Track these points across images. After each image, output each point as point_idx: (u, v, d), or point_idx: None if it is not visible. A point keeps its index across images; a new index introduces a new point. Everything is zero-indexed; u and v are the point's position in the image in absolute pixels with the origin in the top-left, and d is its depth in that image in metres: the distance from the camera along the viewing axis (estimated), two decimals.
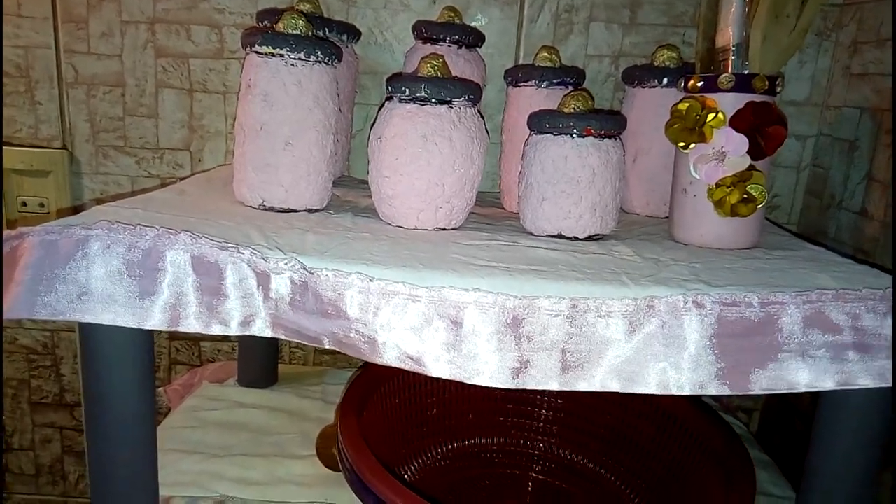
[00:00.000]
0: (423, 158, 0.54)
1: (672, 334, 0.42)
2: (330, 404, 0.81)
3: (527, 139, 0.59)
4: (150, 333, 0.46)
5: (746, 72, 0.55)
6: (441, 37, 0.70)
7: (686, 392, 0.42)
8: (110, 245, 0.43)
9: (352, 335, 0.43)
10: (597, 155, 0.55)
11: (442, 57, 0.57)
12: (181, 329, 0.44)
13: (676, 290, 0.43)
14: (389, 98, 0.56)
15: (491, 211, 0.69)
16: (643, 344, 0.42)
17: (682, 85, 0.58)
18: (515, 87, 0.68)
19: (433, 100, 0.54)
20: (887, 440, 0.48)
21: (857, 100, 0.76)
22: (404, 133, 0.54)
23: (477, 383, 0.42)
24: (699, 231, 0.57)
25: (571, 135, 0.55)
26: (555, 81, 0.65)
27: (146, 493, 0.51)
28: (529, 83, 0.66)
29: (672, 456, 0.67)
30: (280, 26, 0.56)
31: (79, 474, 1.00)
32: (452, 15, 0.72)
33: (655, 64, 0.69)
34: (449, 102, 0.54)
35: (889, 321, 0.43)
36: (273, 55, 0.55)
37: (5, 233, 0.44)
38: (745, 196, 0.54)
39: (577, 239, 0.57)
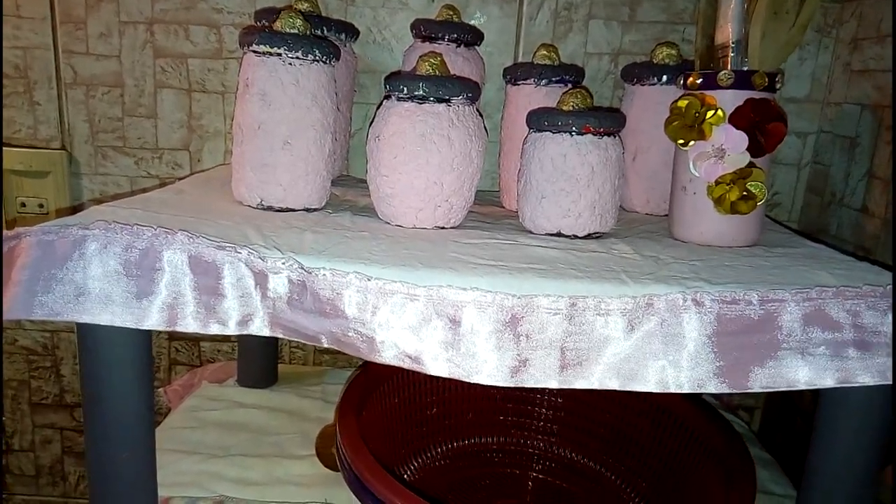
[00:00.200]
0: (422, 157, 0.54)
1: (671, 332, 0.42)
2: (330, 404, 0.80)
3: (526, 137, 0.58)
4: (148, 333, 0.46)
5: (746, 68, 0.54)
6: (440, 35, 0.70)
7: (685, 390, 0.42)
8: (107, 245, 0.43)
9: (350, 334, 0.43)
10: (596, 153, 0.55)
11: (440, 55, 0.56)
12: (179, 329, 0.44)
13: (676, 287, 0.43)
14: (388, 97, 0.56)
15: (490, 209, 0.69)
16: (642, 342, 0.42)
17: (682, 82, 0.58)
18: (514, 85, 0.68)
19: (431, 98, 0.54)
20: (887, 439, 0.47)
21: (857, 96, 0.76)
22: (403, 132, 0.54)
23: (476, 382, 0.42)
24: (699, 229, 0.57)
25: (570, 133, 0.55)
26: (554, 79, 0.65)
27: (145, 493, 0.50)
28: (528, 81, 0.66)
29: (672, 454, 0.66)
30: (278, 25, 0.56)
31: (79, 475, 1.00)
32: (451, 13, 0.72)
33: (655, 61, 0.68)
34: (447, 101, 0.54)
35: (890, 318, 0.43)
36: (271, 54, 0.55)
37: (3, 233, 0.44)
38: (745, 193, 0.54)
39: (576, 237, 0.56)
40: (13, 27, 0.83)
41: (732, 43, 0.55)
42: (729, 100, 0.54)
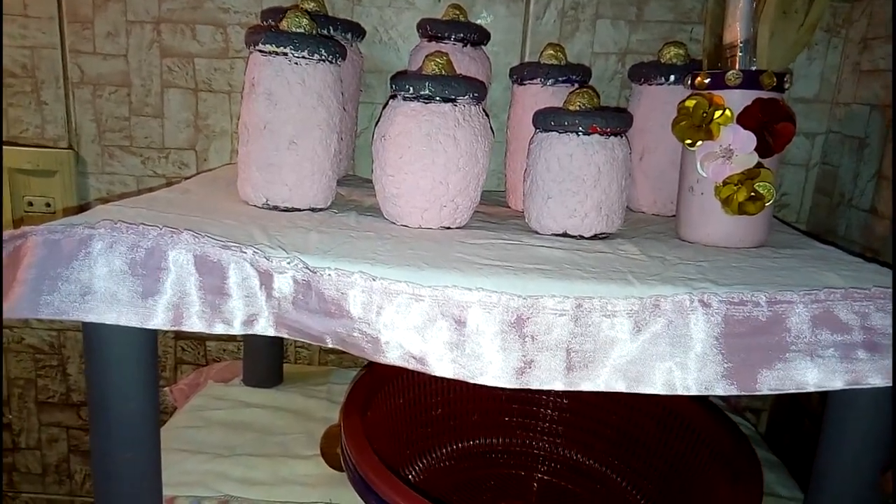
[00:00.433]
0: (428, 157, 0.54)
1: (678, 334, 0.42)
2: (335, 404, 0.80)
3: (532, 137, 0.58)
4: (153, 333, 0.46)
5: (754, 68, 0.54)
6: (446, 35, 0.70)
7: (692, 392, 0.42)
8: (113, 244, 0.43)
9: (355, 334, 0.43)
10: (602, 153, 0.55)
11: (446, 55, 0.56)
12: (184, 328, 0.44)
13: (683, 289, 0.43)
14: (393, 96, 0.56)
15: (496, 210, 0.69)
16: (649, 343, 0.42)
17: (689, 82, 0.57)
18: (521, 84, 0.68)
19: (437, 98, 0.54)
20: (890, 440, 0.47)
21: (866, 96, 0.75)
22: (408, 131, 0.54)
23: (481, 383, 0.42)
24: (706, 229, 0.56)
25: (577, 133, 0.54)
26: (561, 79, 0.65)
27: (150, 492, 0.50)
28: (535, 81, 0.66)
29: (679, 456, 0.66)
30: (284, 25, 0.56)
31: (85, 473, 1.01)
32: (457, 13, 0.72)
33: (662, 61, 0.68)
34: (453, 100, 0.54)
35: None
36: (277, 54, 0.55)
37: (8, 232, 0.44)
38: (753, 194, 0.54)
39: (582, 238, 0.56)
40: (20, 26, 0.84)
41: (741, 42, 0.54)
42: (737, 100, 0.53)
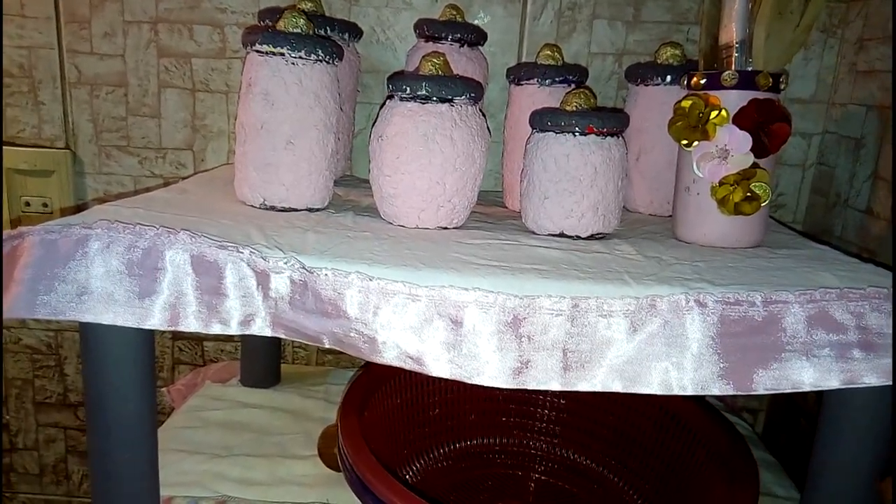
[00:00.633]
0: (425, 157, 0.54)
1: (674, 334, 0.42)
2: (333, 404, 0.80)
3: (529, 137, 0.58)
4: (150, 333, 0.46)
5: (750, 69, 0.54)
6: (443, 35, 0.70)
7: (688, 392, 0.42)
8: (110, 244, 0.43)
9: (352, 334, 0.43)
10: (599, 153, 0.55)
11: (443, 55, 0.56)
12: (181, 328, 0.44)
13: (679, 289, 0.43)
14: (390, 96, 0.56)
15: (493, 210, 0.69)
16: (645, 343, 0.42)
17: (686, 82, 0.57)
18: (518, 85, 0.68)
19: (434, 98, 0.54)
20: (889, 445, 0.47)
21: (863, 97, 0.75)
22: (405, 132, 0.54)
23: (477, 383, 0.42)
24: (702, 230, 0.57)
25: (574, 133, 0.55)
26: (557, 79, 0.65)
27: (148, 492, 0.50)
28: (532, 81, 0.66)
29: (675, 456, 0.66)
30: (281, 25, 0.56)
31: (82, 474, 1.00)
32: (454, 13, 0.72)
33: (659, 61, 0.68)
34: (450, 101, 0.54)
35: None
36: (274, 54, 0.55)
37: (5, 232, 0.44)
38: (749, 194, 0.54)
39: (579, 238, 0.56)
40: (17, 26, 0.84)
41: (736, 43, 0.55)
42: (733, 100, 0.54)
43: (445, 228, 0.57)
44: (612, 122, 0.55)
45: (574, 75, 0.66)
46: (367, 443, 0.54)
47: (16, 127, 0.87)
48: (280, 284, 0.43)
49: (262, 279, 0.44)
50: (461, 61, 0.69)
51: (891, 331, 0.43)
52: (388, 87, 0.56)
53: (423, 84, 0.54)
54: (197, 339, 0.95)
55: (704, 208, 0.56)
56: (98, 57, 0.85)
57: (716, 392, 0.42)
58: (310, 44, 0.55)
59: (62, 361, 0.96)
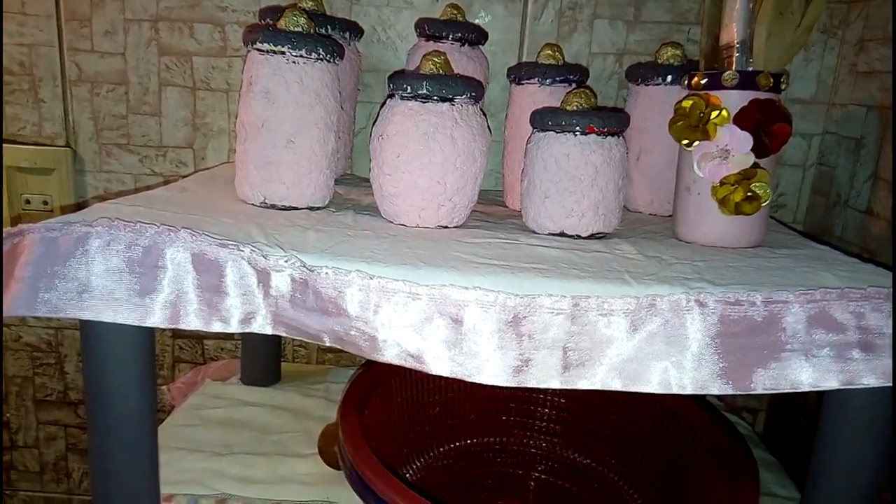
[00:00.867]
0: (425, 156, 0.54)
1: (674, 333, 0.42)
2: (333, 403, 0.80)
3: (529, 137, 0.58)
4: (151, 331, 0.46)
5: (751, 69, 0.54)
6: (444, 34, 0.70)
7: (688, 391, 0.42)
8: (110, 242, 0.43)
9: (352, 333, 0.43)
10: (599, 153, 0.55)
11: (444, 54, 0.56)
12: (182, 326, 0.44)
13: (679, 288, 0.43)
14: (391, 95, 0.56)
15: (494, 209, 0.69)
16: (645, 342, 0.42)
17: (686, 82, 0.57)
18: (519, 84, 0.68)
19: (435, 97, 0.54)
20: (890, 447, 0.47)
21: (863, 98, 0.75)
22: (406, 131, 0.54)
23: (478, 381, 0.42)
24: (703, 229, 0.57)
25: (574, 132, 0.55)
26: (558, 79, 0.65)
27: (148, 490, 0.51)
28: (533, 81, 0.66)
29: (676, 455, 0.66)
30: (281, 23, 0.56)
31: (83, 472, 1.01)
32: (455, 12, 0.72)
33: (659, 61, 0.68)
34: (451, 100, 0.54)
35: None
36: (274, 52, 0.55)
37: (5, 230, 0.44)
38: (750, 194, 0.54)
39: (579, 237, 0.56)
40: (18, 24, 0.84)
41: (737, 43, 0.55)
42: (734, 100, 0.54)
43: (446, 227, 0.57)
44: (612, 121, 0.55)
45: (575, 75, 0.66)
46: (368, 441, 0.54)
47: (16, 125, 0.87)
48: (281, 283, 0.43)
49: (263, 277, 0.44)
50: (462, 60, 0.69)
51: (891, 331, 0.43)
52: (389, 85, 0.56)
53: (424, 83, 0.54)
54: (197, 337, 0.95)
55: (705, 208, 0.56)
56: (99, 55, 0.85)
57: (715, 391, 0.42)
58: (311, 42, 0.55)
59: (62, 359, 0.96)
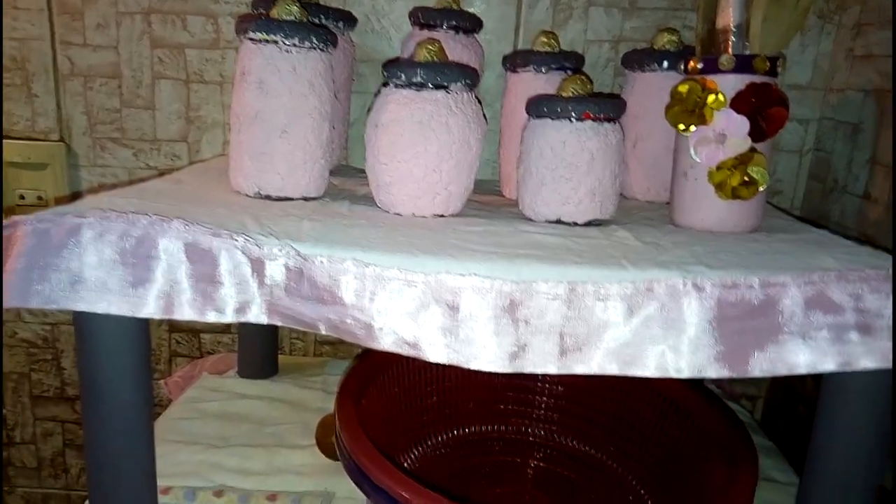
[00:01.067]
0: (420, 145, 0.54)
1: (671, 317, 0.41)
2: (330, 395, 0.80)
3: (525, 124, 0.58)
4: (145, 322, 0.46)
5: (747, 52, 0.54)
6: (438, 22, 0.70)
7: (685, 375, 0.42)
8: (103, 233, 0.43)
9: (348, 321, 0.42)
10: (596, 139, 0.54)
11: (438, 42, 0.56)
12: (176, 317, 0.43)
13: (676, 272, 0.43)
14: (385, 84, 0.56)
15: (490, 198, 0.69)
16: (642, 327, 0.41)
17: (683, 67, 0.57)
18: (514, 72, 0.67)
19: (429, 85, 0.53)
20: (889, 428, 0.47)
21: (860, 82, 0.75)
22: (401, 119, 0.54)
23: (474, 367, 0.42)
24: (700, 215, 0.56)
25: (570, 119, 0.54)
26: (554, 67, 0.65)
27: (145, 483, 0.50)
28: (528, 69, 0.65)
29: (674, 442, 0.66)
30: (274, 13, 0.55)
31: (80, 467, 1.00)
32: (450, 0, 0.72)
33: (655, 47, 0.68)
34: (446, 87, 0.54)
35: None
36: (267, 41, 0.54)
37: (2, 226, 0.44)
38: (746, 179, 0.54)
39: (576, 224, 0.56)
40: (10, 18, 0.83)
41: (734, 27, 0.54)
42: (730, 84, 0.53)
43: (442, 216, 0.57)
44: (608, 107, 0.55)
45: (570, 62, 0.65)
46: (365, 431, 0.53)
47: (10, 120, 0.87)
48: (275, 271, 0.43)
49: (257, 266, 0.43)
50: (457, 49, 0.69)
51: (890, 313, 0.42)
52: (384, 74, 0.56)
53: (419, 71, 0.53)
54: (194, 331, 0.95)
55: (702, 193, 0.56)
56: (91, 48, 0.84)
57: (712, 375, 0.42)
58: (303, 31, 0.54)
59: (59, 355, 0.95)
